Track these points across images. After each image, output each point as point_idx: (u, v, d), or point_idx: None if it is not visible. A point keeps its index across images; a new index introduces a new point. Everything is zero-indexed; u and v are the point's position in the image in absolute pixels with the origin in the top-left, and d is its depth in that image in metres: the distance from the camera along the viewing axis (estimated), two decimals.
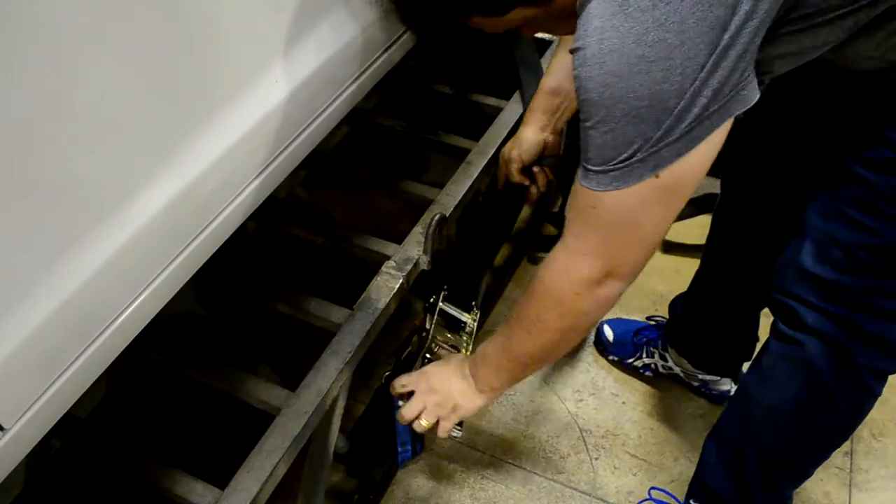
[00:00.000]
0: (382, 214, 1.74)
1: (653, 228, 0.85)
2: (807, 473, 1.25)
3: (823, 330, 1.05)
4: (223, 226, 0.93)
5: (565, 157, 1.36)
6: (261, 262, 1.51)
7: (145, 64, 0.78)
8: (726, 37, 0.70)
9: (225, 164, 0.90)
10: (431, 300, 1.33)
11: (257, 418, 1.06)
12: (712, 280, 1.43)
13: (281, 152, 1.00)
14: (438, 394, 1.13)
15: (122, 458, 1.04)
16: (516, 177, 1.37)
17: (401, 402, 1.18)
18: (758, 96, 0.76)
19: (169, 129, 0.83)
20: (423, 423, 1.15)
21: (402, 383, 1.18)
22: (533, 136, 1.34)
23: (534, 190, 1.39)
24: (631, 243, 0.86)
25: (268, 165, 0.98)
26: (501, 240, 1.64)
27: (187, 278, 0.90)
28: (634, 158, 0.76)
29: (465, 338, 1.33)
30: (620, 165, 0.76)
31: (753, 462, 1.21)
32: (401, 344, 1.33)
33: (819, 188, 1.03)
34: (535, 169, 1.36)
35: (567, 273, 0.90)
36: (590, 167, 0.79)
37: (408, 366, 1.26)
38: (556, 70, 1.30)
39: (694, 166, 0.78)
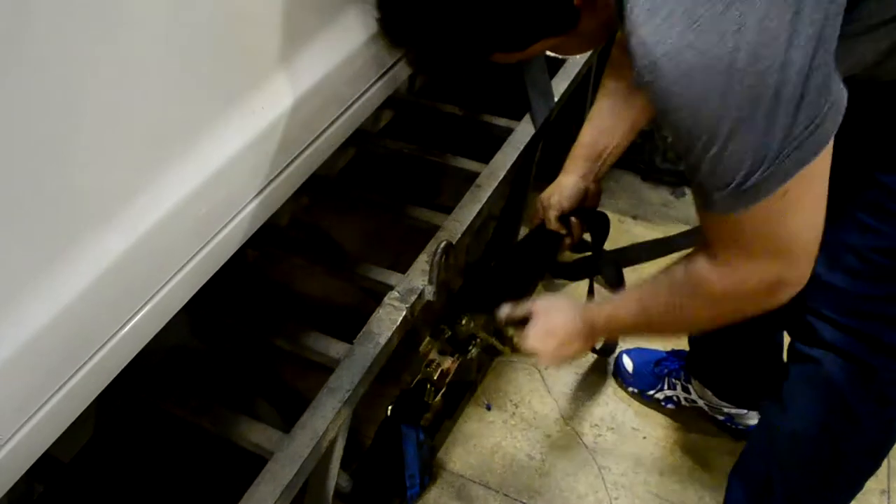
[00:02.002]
0: (389, 241, 1.69)
1: (802, 228, 0.78)
2: None
3: (841, 344, 1.00)
4: (218, 250, 0.89)
5: (602, 213, 1.31)
6: (261, 293, 1.46)
7: (135, 79, 0.73)
8: (808, 31, 0.63)
9: (219, 184, 0.85)
10: (441, 327, 1.26)
11: (254, 460, 0.99)
12: None
13: (279, 173, 0.96)
14: (557, 337, 1.05)
15: None
16: (553, 224, 1.31)
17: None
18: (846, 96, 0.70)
19: (159, 144, 0.79)
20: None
21: (514, 313, 1.11)
22: (574, 183, 1.27)
23: (568, 241, 1.33)
24: (784, 249, 0.79)
25: (265, 187, 0.94)
26: (532, 283, 1.57)
27: (181, 305, 0.86)
28: (757, 175, 0.69)
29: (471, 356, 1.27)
30: (742, 184, 0.70)
31: (781, 496, 1.16)
32: (408, 371, 1.27)
33: (830, 196, 0.98)
34: (573, 220, 1.30)
35: (734, 290, 0.84)
36: (714, 196, 0.73)
37: (415, 395, 1.21)
38: (597, 116, 1.24)
39: (816, 174, 0.72)
